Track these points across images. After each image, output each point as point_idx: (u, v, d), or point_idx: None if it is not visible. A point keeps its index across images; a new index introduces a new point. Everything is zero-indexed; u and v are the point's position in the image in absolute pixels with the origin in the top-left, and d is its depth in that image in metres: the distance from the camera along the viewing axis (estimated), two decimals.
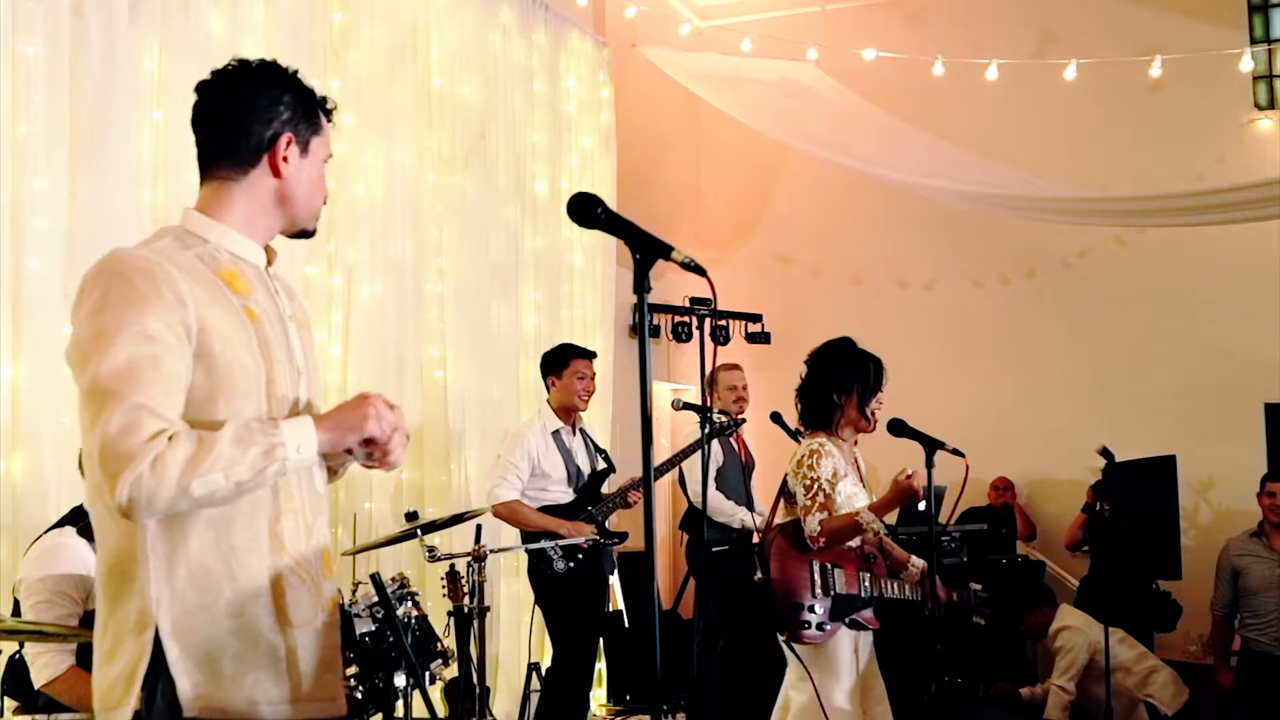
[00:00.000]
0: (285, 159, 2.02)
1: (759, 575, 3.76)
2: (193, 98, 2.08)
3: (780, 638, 3.72)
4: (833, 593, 3.68)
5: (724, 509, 5.74)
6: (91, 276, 1.86)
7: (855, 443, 3.97)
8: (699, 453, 5.15)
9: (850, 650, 3.72)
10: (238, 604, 1.89)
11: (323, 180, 2.12)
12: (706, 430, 5.04)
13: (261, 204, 2.04)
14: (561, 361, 5.07)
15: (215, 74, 2.04)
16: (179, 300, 1.84)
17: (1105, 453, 6.03)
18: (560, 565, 4.85)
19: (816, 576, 3.68)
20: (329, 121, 2.13)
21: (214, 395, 1.87)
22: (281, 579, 1.94)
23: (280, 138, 2.02)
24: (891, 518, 6.56)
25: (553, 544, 4.76)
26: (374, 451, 2.00)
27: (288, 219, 2.08)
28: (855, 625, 3.74)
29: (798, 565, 3.69)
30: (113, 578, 1.89)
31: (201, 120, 2.04)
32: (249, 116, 2.01)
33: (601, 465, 5.15)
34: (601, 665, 6.26)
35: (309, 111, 2.07)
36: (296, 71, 2.09)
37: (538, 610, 5.05)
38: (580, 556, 4.86)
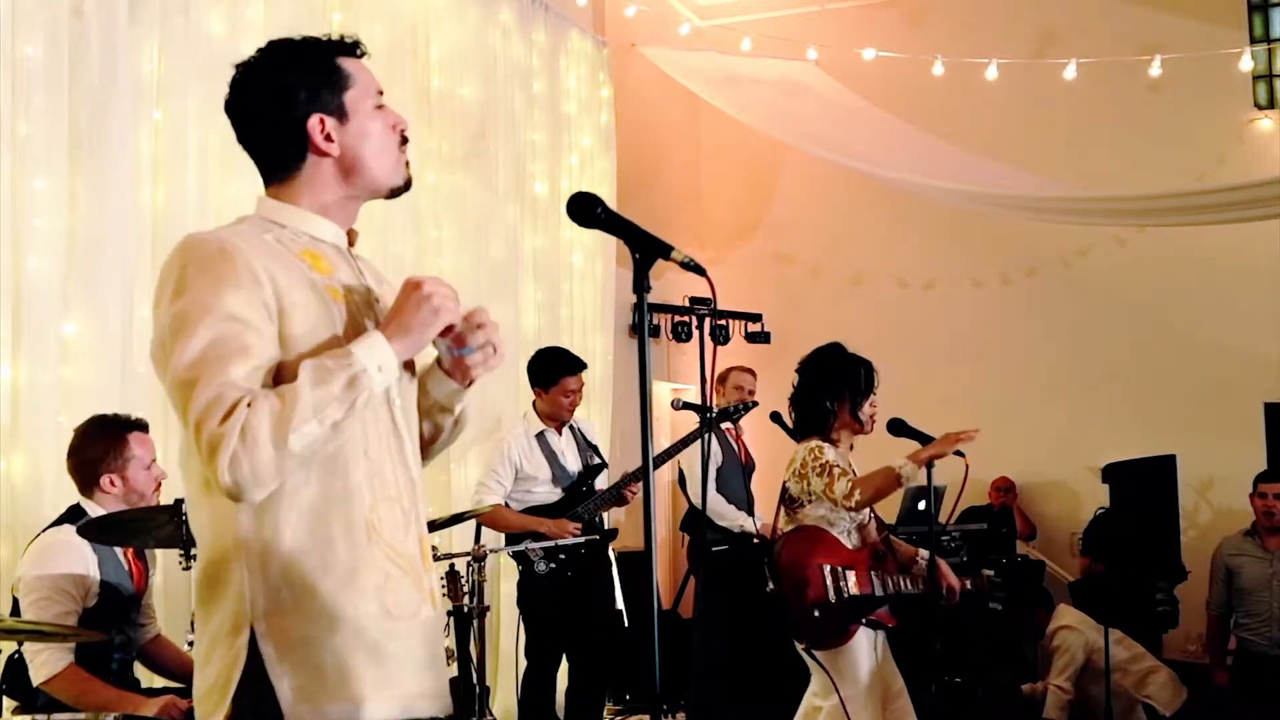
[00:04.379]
0: (328, 137, 1.89)
1: (770, 586, 3.76)
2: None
3: (800, 646, 3.72)
4: (846, 595, 3.68)
5: (724, 512, 5.72)
6: (167, 265, 1.78)
7: (851, 447, 3.97)
8: (699, 454, 5.13)
9: (869, 651, 3.72)
10: (335, 599, 1.77)
11: (385, 125, 1.95)
12: (707, 424, 5.00)
13: (329, 185, 1.92)
14: (550, 379, 4.98)
15: (230, 87, 1.93)
16: (256, 280, 1.74)
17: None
18: (541, 566, 4.83)
19: (829, 580, 3.68)
20: (359, 55, 1.97)
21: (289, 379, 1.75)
22: (380, 570, 1.82)
23: (308, 122, 1.89)
24: (892, 518, 6.57)
25: (532, 545, 4.73)
26: (454, 344, 1.89)
27: (364, 186, 1.95)
28: (872, 624, 3.74)
29: (809, 571, 3.68)
30: (206, 581, 1.81)
31: (240, 137, 1.95)
32: (268, 123, 1.90)
33: (595, 462, 5.13)
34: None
35: (325, 76, 1.91)
36: (294, 42, 1.95)
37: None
38: (562, 556, 4.83)
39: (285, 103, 1.89)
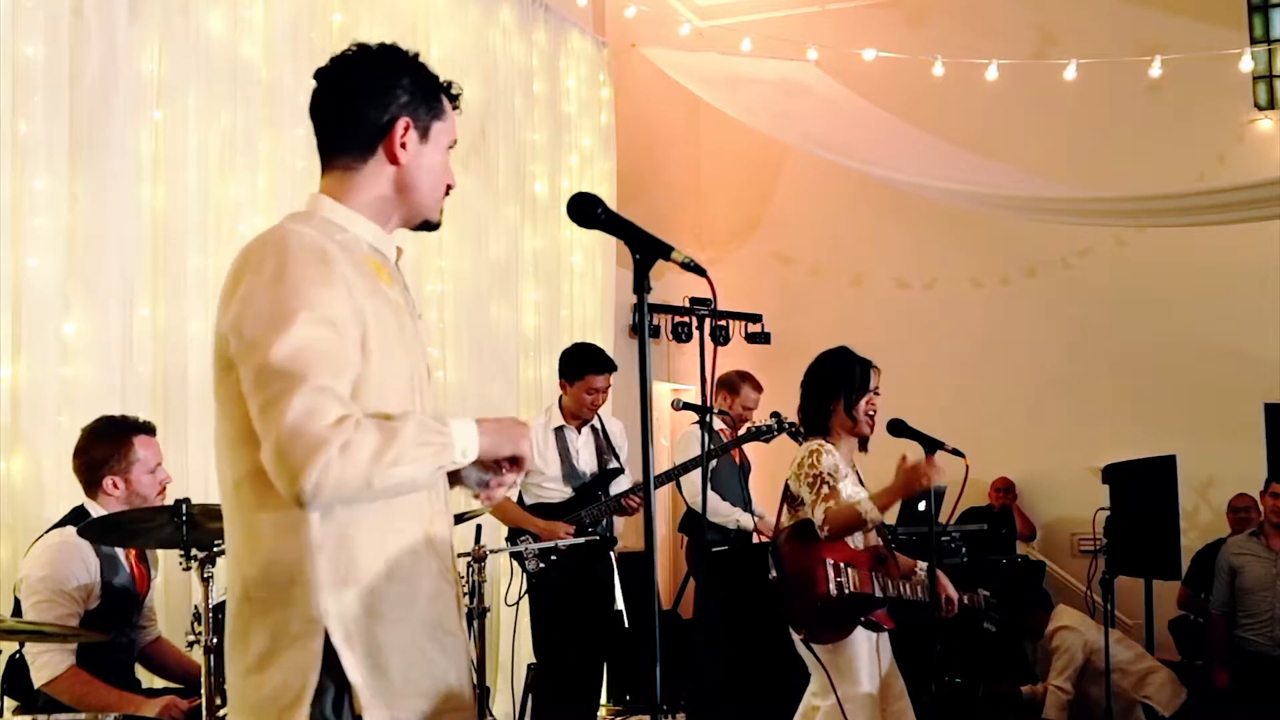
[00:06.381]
0: (404, 145, 1.93)
1: (773, 574, 3.78)
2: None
3: (797, 637, 3.73)
4: (846, 591, 3.69)
5: (720, 510, 5.71)
6: (259, 249, 1.78)
7: (864, 448, 3.98)
8: (695, 455, 5.10)
9: (869, 652, 3.72)
10: (400, 610, 1.81)
11: (446, 168, 2.01)
12: (708, 433, 4.98)
13: (383, 193, 1.95)
14: (576, 373, 4.96)
15: (333, 60, 1.96)
16: (347, 288, 1.76)
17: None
18: (530, 565, 4.83)
19: (830, 575, 3.69)
20: (454, 107, 2.03)
21: (367, 391, 1.77)
22: (434, 583, 1.88)
23: (397, 122, 1.92)
24: (891, 518, 6.57)
25: (531, 546, 4.73)
26: (493, 477, 1.94)
27: (409, 209, 1.99)
28: (871, 626, 3.75)
29: (811, 564, 3.70)
30: (264, 584, 1.78)
31: (319, 107, 1.96)
32: (364, 101, 1.92)
33: (612, 465, 5.11)
34: None
35: (429, 95, 1.97)
36: (417, 55, 1.99)
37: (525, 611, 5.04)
38: (553, 558, 4.82)
39: (385, 93, 1.93)
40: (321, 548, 1.76)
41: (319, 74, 1.97)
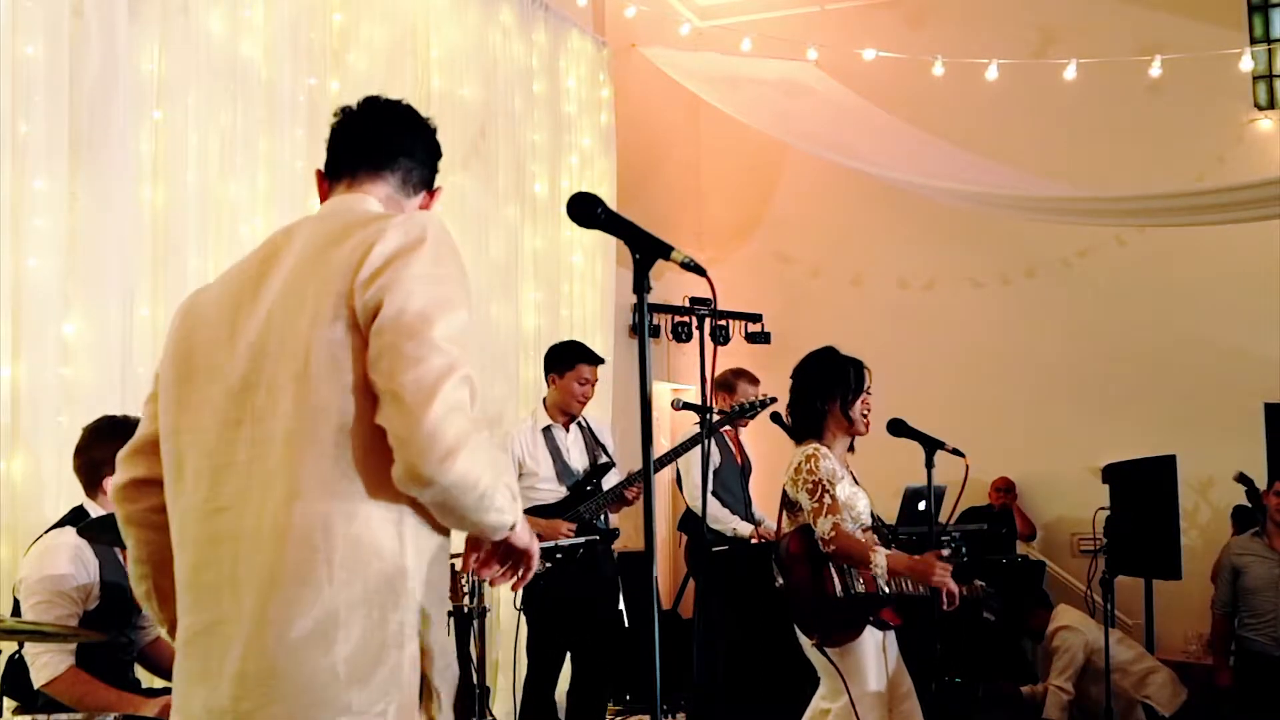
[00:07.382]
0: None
1: (779, 582, 3.77)
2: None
3: (809, 642, 3.73)
4: (853, 591, 3.69)
5: (719, 515, 5.70)
6: (416, 226, 1.77)
7: (852, 449, 3.97)
8: (696, 454, 5.09)
9: (876, 651, 3.72)
10: (441, 611, 1.84)
11: None
12: (707, 427, 4.97)
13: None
14: (566, 363, 4.99)
15: (407, 108, 2.09)
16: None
17: (1243, 478, 6.06)
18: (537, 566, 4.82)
19: (836, 577, 3.70)
20: None
21: None
22: (448, 584, 1.92)
23: (439, 189, 2.10)
24: (891, 517, 6.57)
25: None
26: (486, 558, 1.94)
27: None
28: (880, 624, 3.75)
29: (817, 568, 3.70)
30: (369, 575, 1.69)
31: (401, 130, 2.05)
32: (436, 156, 2.08)
33: (603, 460, 5.11)
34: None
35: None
36: None
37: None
38: (558, 556, 4.82)
39: (437, 159, 2.11)
40: (411, 543, 1.74)
41: (405, 105, 2.09)
